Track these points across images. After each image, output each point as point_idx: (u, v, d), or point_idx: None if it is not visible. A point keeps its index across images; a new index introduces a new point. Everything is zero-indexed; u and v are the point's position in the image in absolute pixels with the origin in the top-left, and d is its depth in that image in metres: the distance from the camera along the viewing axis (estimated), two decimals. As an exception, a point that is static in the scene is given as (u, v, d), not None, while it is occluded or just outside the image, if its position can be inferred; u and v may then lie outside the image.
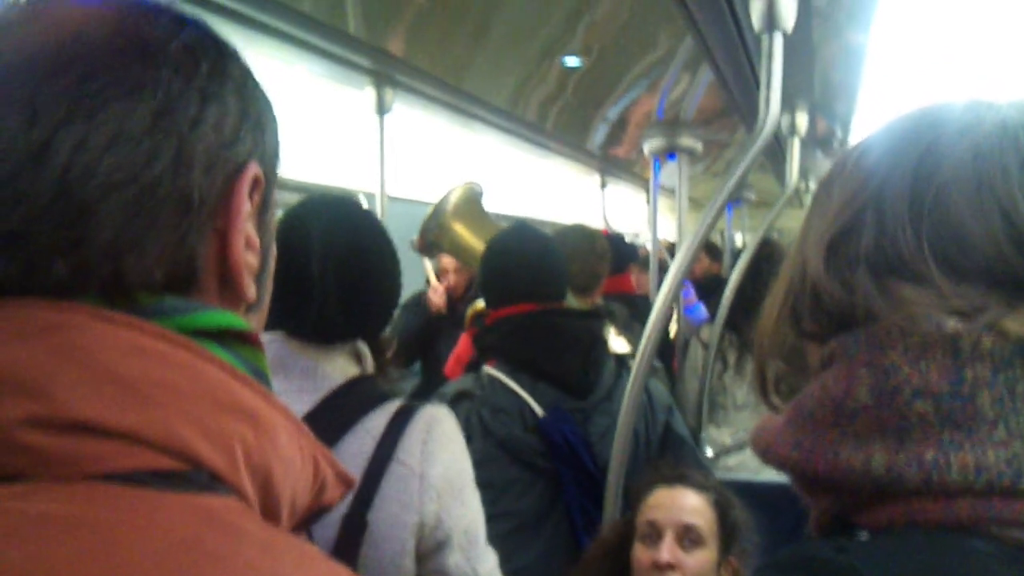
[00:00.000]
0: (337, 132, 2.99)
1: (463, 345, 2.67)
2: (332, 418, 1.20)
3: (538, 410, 1.83)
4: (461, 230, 2.64)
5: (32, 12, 0.52)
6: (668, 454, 1.99)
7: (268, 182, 0.60)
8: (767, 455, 0.65)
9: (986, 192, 0.58)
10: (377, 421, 1.22)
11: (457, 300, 3.52)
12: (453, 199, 2.61)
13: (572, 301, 2.39)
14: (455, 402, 1.82)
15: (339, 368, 1.27)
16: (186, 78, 0.52)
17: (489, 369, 1.90)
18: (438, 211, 2.60)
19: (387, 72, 2.28)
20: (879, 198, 0.62)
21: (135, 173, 0.50)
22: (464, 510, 1.26)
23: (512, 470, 1.83)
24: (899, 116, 0.66)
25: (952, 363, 0.55)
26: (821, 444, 0.59)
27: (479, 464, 1.51)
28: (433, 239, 2.65)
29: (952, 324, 0.55)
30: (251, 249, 0.58)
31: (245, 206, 0.56)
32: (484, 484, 1.35)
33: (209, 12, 1.66)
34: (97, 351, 0.48)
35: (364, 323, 1.32)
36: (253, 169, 0.57)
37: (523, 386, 1.85)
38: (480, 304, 2.60)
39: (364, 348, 1.33)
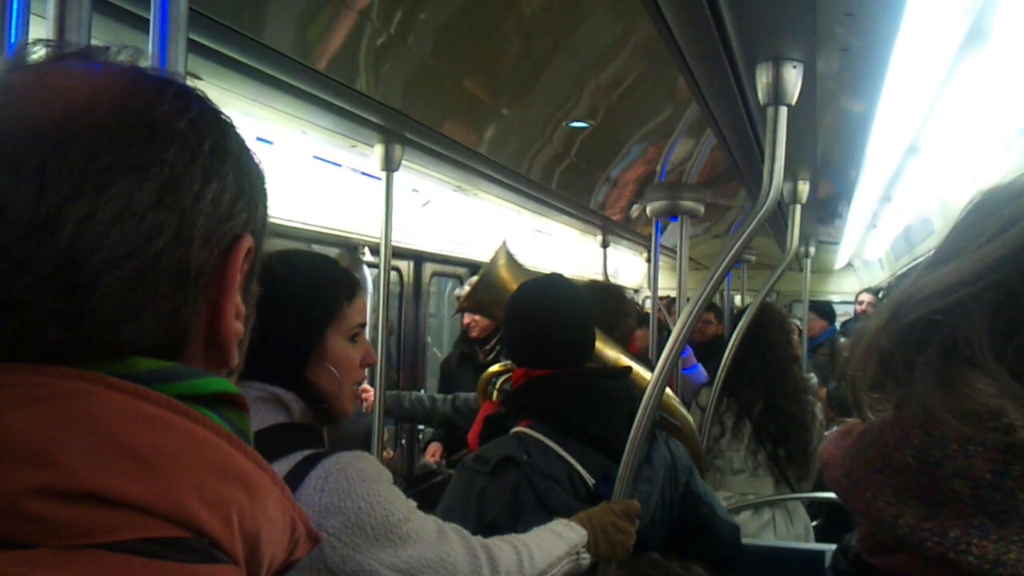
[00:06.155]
0: (347, 185, 3.03)
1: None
2: None
3: (588, 477, 1.75)
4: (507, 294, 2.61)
5: (37, 79, 0.52)
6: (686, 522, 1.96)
7: (256, 253, 0.61)
8: (824, 468, 0.69)
9: None
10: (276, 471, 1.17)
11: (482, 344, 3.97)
12: (501, 262, 2.54)
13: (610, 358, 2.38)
14: (500, 468, 1.70)
15: (255, 416, 1.22)
16: (191, 155, 0.53)
17: (529, 432, 1.78)
18: (488, 274, 2.54)
19: (396, 129, 2.31)
20: (970, 302, 0.61)
21: (138, 247, 0.50)
22: (409, 549, 1.18)
23: None
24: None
25: (1001, 455, 0.56)
26: (864, 482, 0.62)
27: None
28: (481, 300, 2.61)
29: (1010, 417, 0.56)
30: (239, 318, 0.59)
31: (238, 277, 0.57)
32: None
33: (228, 68, 1.69)
34: (105, 420, 0.48)
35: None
36: (247, 242, 0.58)
37: (571, 452, 1.75)
38: (495, 368, 2.54)
39: (285, 394, 1.24)
